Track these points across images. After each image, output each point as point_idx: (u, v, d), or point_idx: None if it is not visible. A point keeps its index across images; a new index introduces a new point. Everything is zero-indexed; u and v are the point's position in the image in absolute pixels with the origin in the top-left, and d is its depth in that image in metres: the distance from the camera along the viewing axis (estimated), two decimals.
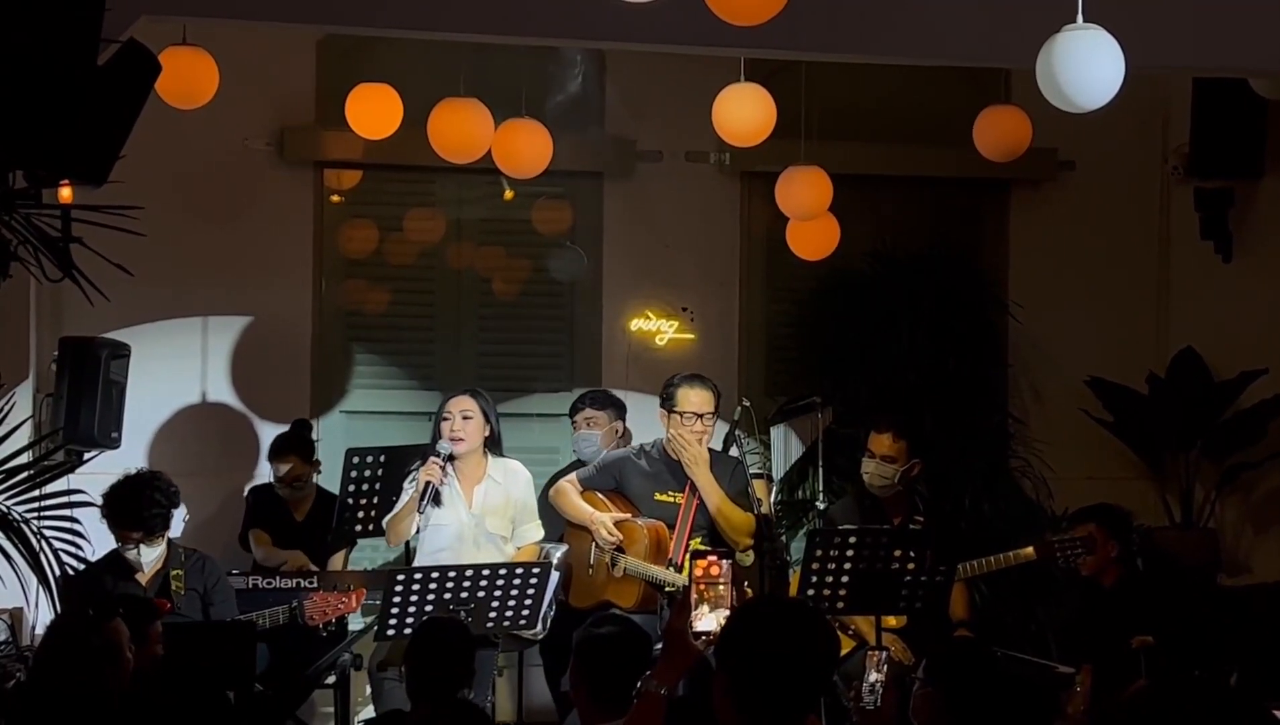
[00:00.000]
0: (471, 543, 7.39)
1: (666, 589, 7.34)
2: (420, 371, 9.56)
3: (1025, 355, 9.94)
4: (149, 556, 7.22)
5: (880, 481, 7.71)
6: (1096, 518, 7.64)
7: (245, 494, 8.65)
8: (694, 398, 7.49)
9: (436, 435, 7.47)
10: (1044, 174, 9.96)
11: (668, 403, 7.54)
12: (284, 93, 9.33)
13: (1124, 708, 3.59)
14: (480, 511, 7.44)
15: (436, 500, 7.33)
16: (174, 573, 7.23)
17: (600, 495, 7.64)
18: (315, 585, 7.56)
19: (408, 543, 7.57)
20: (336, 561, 8.30)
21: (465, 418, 7.42)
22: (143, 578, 7.26)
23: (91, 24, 5.34)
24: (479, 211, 9.63)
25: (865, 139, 9.72)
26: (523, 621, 6.99)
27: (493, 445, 7.52)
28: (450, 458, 7.39)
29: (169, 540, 7.35)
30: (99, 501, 7.18)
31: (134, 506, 7.14)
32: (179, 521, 8.08)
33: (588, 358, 9.67)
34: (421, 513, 7.29)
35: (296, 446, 8.45)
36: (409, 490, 7.42)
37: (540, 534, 7.63)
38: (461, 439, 7.40)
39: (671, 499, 7.52)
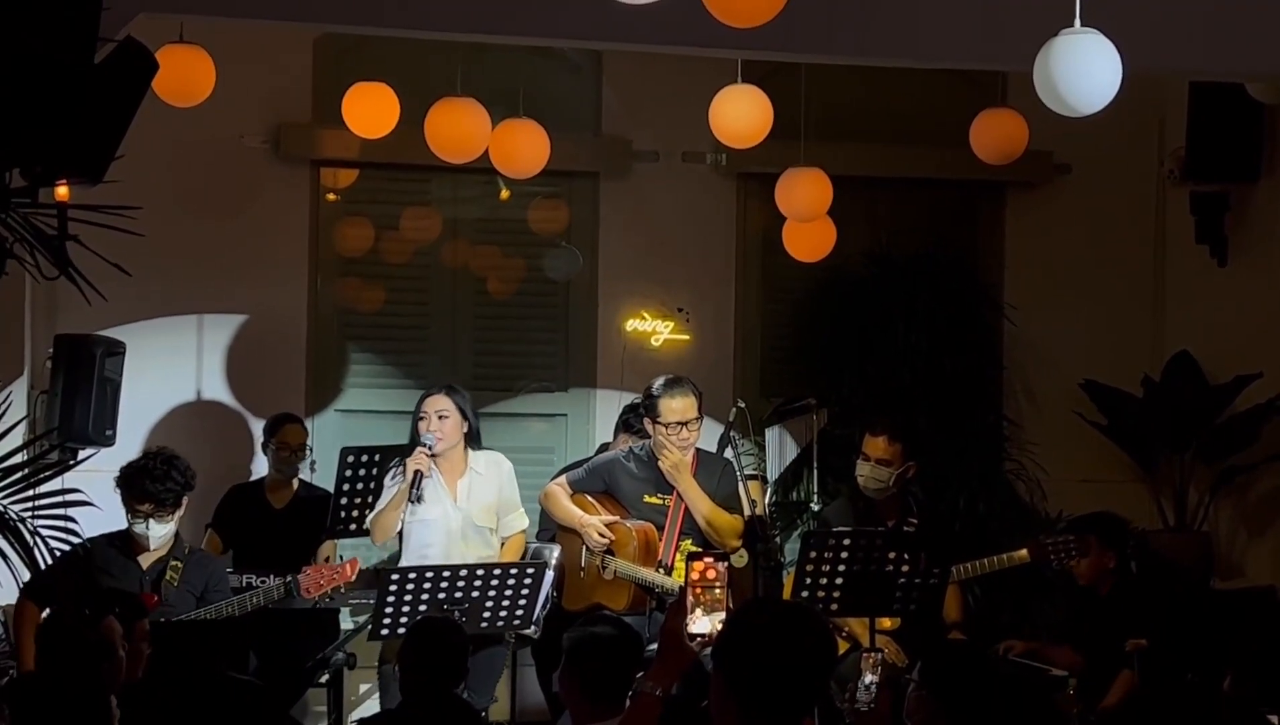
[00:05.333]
0: (459, 536, 7.37)
1: (656, 591, 7.34)
2: (415, 370, 9.55)
3: (1020, 357, 9.95)
4: (159, 532, 7.14)
5: (875, 484, 7.68)
6: (1097, 529, 7.63)
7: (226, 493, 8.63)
8: (675, 406, 7.40)
9: (415, 434, 7.44)
10: (1040, 177, 9.97)
11: (650, 413, 7.50)
12: (280, 91, 9.33)
13: (1118, 712, 3.60)
14: (465, 504, 7.42)
15: (419, 498, 7.32)
16: (173, 563, 7.19)
17: (590, 498, 7.61)
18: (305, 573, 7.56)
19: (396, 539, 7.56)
20: (325, 550, 8.31)
21: (441, 417, 7.40)
22: (146, 558, 7.22)
23: (89, 22, 5.33)
24: (475, 211, 9.63)
25: (861, 140, 9.73)
26: (516, 621, 6.98)
27: (472, 440, 7.51)
28: (433, 454, 7.38)
29: (176, 533, 7.30)
30: (94, 500, 7.15)
31: (144, 479, 7.08)
32: None
33: (583, 358, 9.66)
34: (412, 502, 7.27)
35: (297, 419, 8.54)
36: (390, 488, 7.41)
37: (525, 523, 7.62)
38: (440, 439, 7.39)
39: (660, 501, 7.49)
